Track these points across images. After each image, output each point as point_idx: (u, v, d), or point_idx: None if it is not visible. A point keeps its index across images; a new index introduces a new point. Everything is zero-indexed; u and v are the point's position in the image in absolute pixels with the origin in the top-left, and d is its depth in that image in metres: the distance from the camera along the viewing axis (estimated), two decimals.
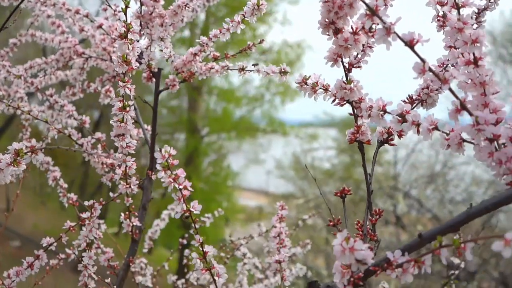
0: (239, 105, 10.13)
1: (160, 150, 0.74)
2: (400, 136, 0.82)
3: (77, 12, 1.29)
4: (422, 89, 0.82)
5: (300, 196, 8.41)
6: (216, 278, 0.79)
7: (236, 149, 10.55)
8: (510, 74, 8.11)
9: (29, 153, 0.83)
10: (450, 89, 0.62)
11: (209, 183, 9.87)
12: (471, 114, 0.62)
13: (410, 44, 0.61)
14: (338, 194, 0.80)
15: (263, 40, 1.20)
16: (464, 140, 0.66)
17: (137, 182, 1.08)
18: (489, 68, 0.66)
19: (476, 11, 0.87)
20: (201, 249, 0.80)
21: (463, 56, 0.66)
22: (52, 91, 1.34)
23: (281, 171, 10.08)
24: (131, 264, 1.17)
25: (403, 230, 6.41)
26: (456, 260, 1.25)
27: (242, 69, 1.15)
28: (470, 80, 0.67)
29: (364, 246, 0.60)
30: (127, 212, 1.13)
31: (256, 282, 1.75)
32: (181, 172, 0.77)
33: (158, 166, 0.75)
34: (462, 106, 0.62)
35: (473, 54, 0.65)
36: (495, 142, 0.63)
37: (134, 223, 1.14)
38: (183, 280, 1.68)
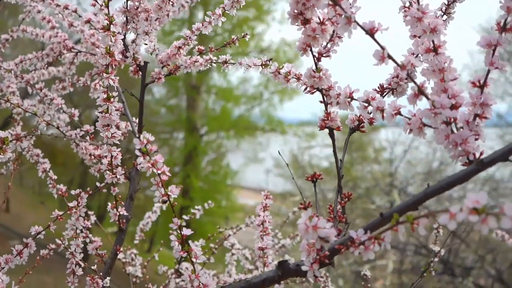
0: (237, 104, 10.17)
1: (139, 137, 0.77)
2: (371, 123, 0.85)
3: (66, 7, 1.32)
4: (392, 78, 0.85)
5: (298, 194, 8.45)
6: (194, 260, 0.82)
7: (235, 148, 10.59)
8: (507, 72, 8.13)
9: (14, 141, 0.86)
10: (408, 75, 0.65)
11: (208, 182, 9.91)
12: (428, 99, 0.65)
13: (370, 32, 0.64)
14: (309, 178, 0.83)
15: (246, 34, 1.23)
16: (425, 125, 0.69)
17: (123, 172, 1.11)
18: (448, 55, 0.69)
19: (446, 2, 0.90)
20: (179, 232, 0.82)
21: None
22: (42, 85, 1.37)
23: (279, 169, 10.11)
24: (118, 252, 1.20)
25: None
26: (436, 248, 1.28)
27: (225, 62, 1.19)
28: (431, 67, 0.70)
29: (327, 224, 0.63)
30: (114, 202, 1.17)
31: (246, 272, 1.78)
32: (159, 158, 0.80)
33: (137, 152, 0.77)
34: (420, 91, 0.65)
35: (433, 42, 0.68)
36: (452, 125, 0.66)
37: (121, 213, 1.17)
38: (172, 270, 1.71)
